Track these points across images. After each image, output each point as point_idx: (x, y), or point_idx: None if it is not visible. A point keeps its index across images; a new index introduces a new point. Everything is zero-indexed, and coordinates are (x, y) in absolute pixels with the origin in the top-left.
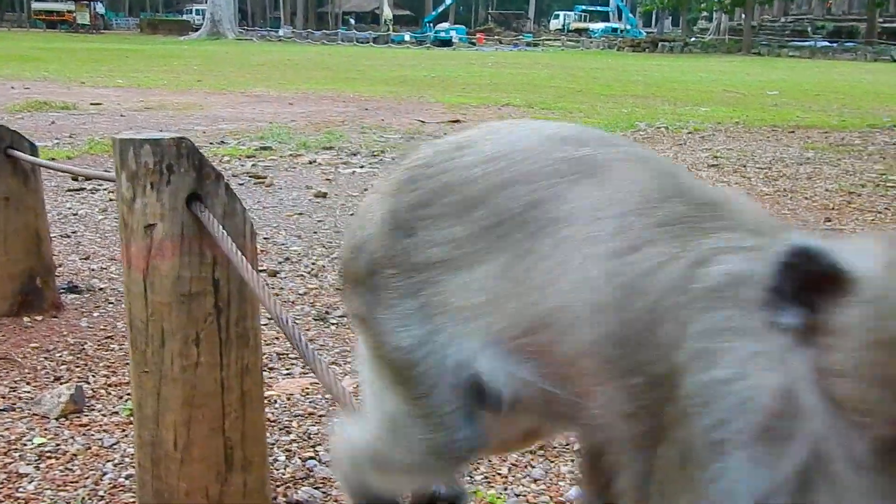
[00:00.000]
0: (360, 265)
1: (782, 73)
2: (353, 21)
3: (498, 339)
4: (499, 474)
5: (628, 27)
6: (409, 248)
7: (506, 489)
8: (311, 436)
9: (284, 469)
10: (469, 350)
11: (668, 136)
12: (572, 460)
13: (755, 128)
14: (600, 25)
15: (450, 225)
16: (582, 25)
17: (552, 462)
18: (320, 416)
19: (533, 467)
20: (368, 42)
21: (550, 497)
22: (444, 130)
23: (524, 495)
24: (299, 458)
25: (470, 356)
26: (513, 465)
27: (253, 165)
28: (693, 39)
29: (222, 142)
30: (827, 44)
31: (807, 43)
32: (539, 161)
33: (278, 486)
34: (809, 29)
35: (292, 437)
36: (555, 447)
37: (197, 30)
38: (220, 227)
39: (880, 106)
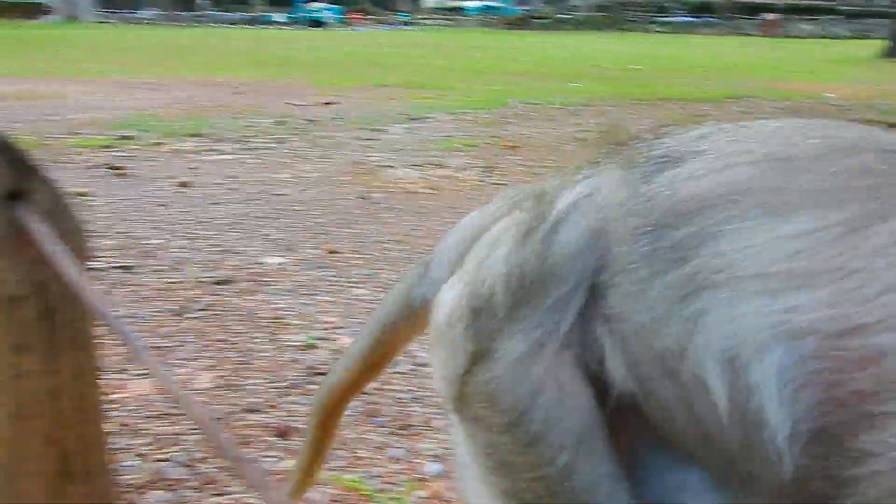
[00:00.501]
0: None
1: (648, 47)
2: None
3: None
4: (358, 458)
5: (502, 4)
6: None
7: (366, 472)
8: (164, 437)
9: (135, 474)
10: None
11: (538, 111)
12: (431, 437)
13: (621, 102)
14: (475, 3)
15: None
16: (457, 3)
17: (412, 440)
18: (175, 416)
19: (393, 447)
20: (239, 24)
21: (410, 475)
22: (317, 113)
23: (384, 476)
24: (151, 460)
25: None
26: (375, 447)
27: (111, 156)
28: (565, 16)
29: (76, 132)
30: (690, 19)
31: (672, 19)
32: None
33: (128, 492)
34: (673, 5)
35: (144, 439)
36: (413, 425)
37: (48, 13)
38: (44, 225)
39: (734, 78)
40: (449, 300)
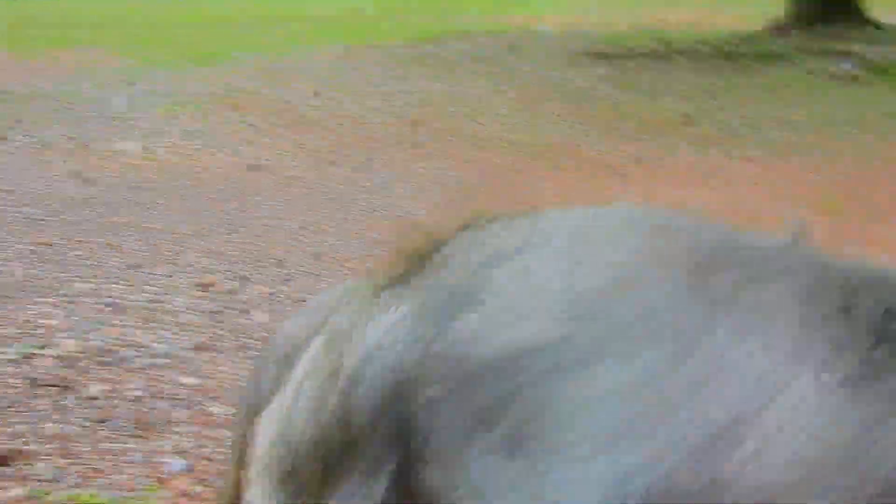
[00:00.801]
0: None
1: None
2: None
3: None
4: (94, 469)
5: None
6: None
7: (104, 482)
8: None
9: None
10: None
11: (268, 65)
12: (172, 433)
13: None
14: None
15: None
16: None
17: (151, 440)
18: None
19: (132, 451)
20: None
21: (152, 478)
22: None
23: (124, 483)
24: None
25: None
26: (112, 454)
27: None
28: None
29: None
30: None
31: None
32: None
33: None
34: None
35: None
36: (153, 423)
37: None
38: None
39: (450, 13)
40: (263, 439)
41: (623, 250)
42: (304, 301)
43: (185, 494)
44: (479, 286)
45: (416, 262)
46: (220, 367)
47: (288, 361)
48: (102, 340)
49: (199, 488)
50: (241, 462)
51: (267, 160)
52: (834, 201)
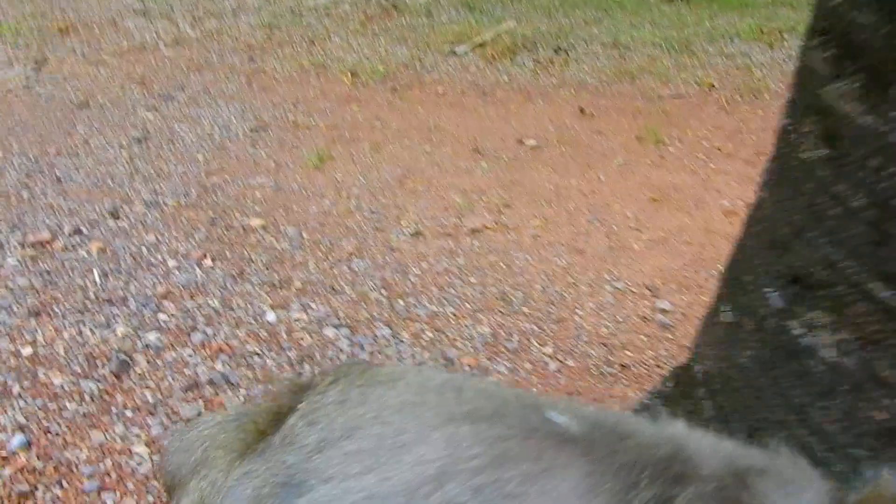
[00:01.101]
0: None
1: None
2: None
3: None
4: None
5: None
6: None
7: None
8: None
9: None
10: None
11: None
12: (10, 407)
13: None
14: None
15: None
16: None
17: None
18: None
19: None
20: None
21: None
22: None
23: None
24: None
25: None
26: None
27: None
28: None
29: None
30: None
31: None
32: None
33: None
34: None
35: None
36: None
37: None
38: None
39: None
40: None
41: (432, 447)
42: None
43: (27, 469)
44: (310, 474)
45: (273, 424)
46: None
47: (172, 489)
48: None
49: (40, 463)
50: None
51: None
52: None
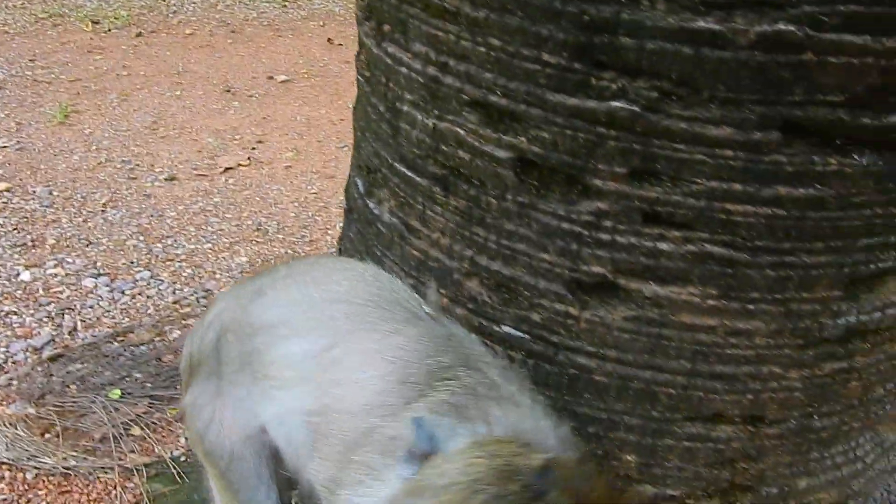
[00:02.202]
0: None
1: None
2: None
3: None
4: None
5: None
6: None
7: None
8: None
9: None
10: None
11: None
12: None
13: None
14: None
15: None
16: None
17: None
18: None
19: None
20: None
21: None
22: None
23: None
24: None
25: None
26: None
27: None
28: None
29: None
30: None
31: None
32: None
33: None
34: None
35: None
36: None
37: None
38: None
39: None
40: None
41: (345, 280)
42: None
43: None
44: (262, 291)
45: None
46: None
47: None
48: None
49: None
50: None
51: None
52: None
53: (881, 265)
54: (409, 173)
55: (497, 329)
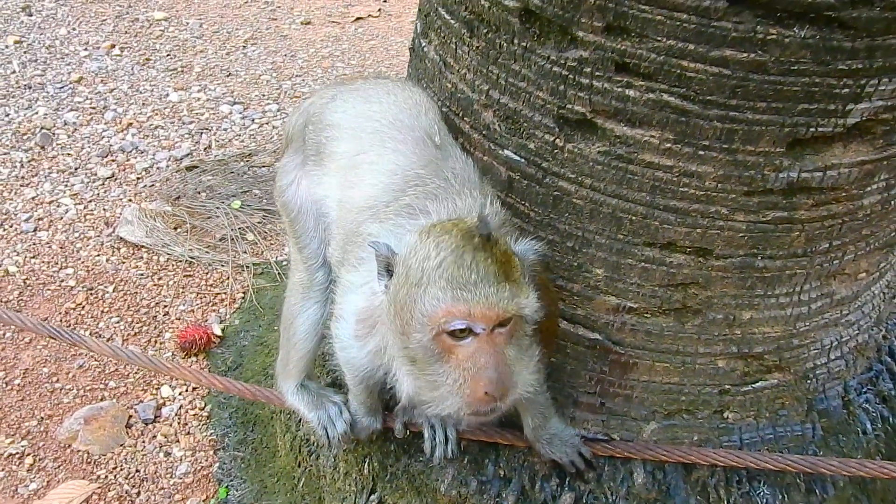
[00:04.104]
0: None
1: None
2: None
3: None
4: None
5: None
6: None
7: None
8: None
9: None
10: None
11: None
12: None
13: None
14: None
15: None
16: None
17: None
18: None
19: None
20: None
21: None
22: None
23: None
24: None
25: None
26: None
27: None
28: None
29: None
30: None
31: None
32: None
33: None
34: None
35: None
36: None
37: None
38: None
39: None
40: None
41: (384, 102)
42: None
43: None
44: (335, 97)
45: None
46: None
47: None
48: None
49: None
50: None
51: None
52: None
53: (821, 129)
54: (447, 16)
55: (501, 153)
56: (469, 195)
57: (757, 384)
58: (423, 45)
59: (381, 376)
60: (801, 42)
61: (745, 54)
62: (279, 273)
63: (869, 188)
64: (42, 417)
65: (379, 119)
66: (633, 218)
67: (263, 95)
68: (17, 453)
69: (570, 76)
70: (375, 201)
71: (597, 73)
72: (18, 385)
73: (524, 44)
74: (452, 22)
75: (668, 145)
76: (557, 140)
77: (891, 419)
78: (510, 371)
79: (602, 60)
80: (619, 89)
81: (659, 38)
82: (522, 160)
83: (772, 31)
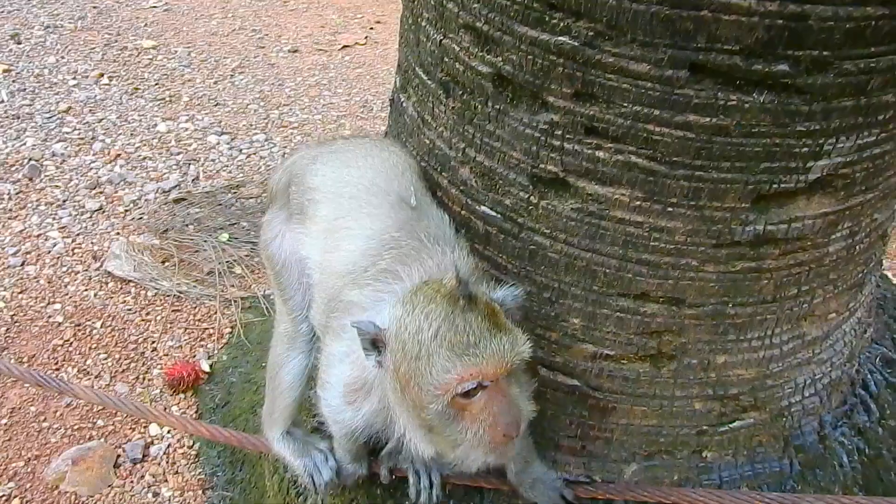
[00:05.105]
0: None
1: None
2: None
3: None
4: None
5: None
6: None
7: None
8: None
9: None
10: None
11: None
12: None
13: None
14: None
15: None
16: None
17: None
18: None
19: None
20: None
21: None
22: None
23: None
24: None
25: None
26: None
27: None
28: None
29: None
30: None
31: None
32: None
33: None
34: None
35: None
36: None
37: None
38: None
39: None
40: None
41: (362, 167)
42: None
43: None
44: (316, 158)
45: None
46: None
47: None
48: None
49: None
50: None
51: None
52: None
53: (784, 185)
54: (425, 77)
55: (478, 208)
56: (440, 251)
57: (734, 424)
58: (402, 99)
59: (373, 431)
60: (761, 107)
61: (708, 119)
62: (267, 307)
63: (834, 236)
64: (29, 458)
65: (356, 184)
66: (607, 270)
67: (251, 125)
68: (4, 496)
69: (543, 138)
70: (354, 266)
71: (567, 136)
72: (5, 424)
73: (498, 106)
74: (429, 82)
75: (638, 203)
76: (532, 197)
77: (867, 451)
78: (518, 408)
79: (572, 124)
80: (590, 151)
81: (625, 105)
82: (499, 216)
83: (732, 98)
